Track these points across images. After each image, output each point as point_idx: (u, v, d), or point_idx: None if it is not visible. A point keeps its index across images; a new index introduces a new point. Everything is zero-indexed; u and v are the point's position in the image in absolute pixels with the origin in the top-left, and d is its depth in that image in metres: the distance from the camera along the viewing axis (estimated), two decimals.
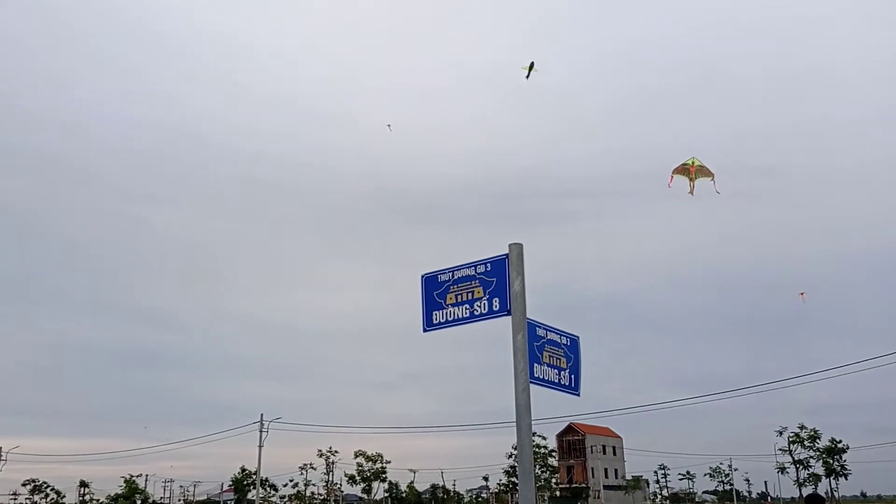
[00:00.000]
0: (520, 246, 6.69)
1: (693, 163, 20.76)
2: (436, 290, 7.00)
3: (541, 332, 6.90)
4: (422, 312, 7.04)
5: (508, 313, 6.61)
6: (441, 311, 6.95)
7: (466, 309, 6.82)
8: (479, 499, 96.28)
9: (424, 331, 7.01)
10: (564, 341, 7.11)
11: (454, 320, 6.88)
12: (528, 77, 25.16)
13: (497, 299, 6.67)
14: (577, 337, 7.23)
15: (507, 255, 6.70)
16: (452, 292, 6.91)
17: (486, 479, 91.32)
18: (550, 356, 6.92)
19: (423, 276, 7.10)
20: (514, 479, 75.90)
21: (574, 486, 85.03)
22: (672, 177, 20.95)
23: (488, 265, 6.78)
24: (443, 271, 7.01)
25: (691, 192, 20.84)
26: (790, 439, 66.18)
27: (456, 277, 6.92)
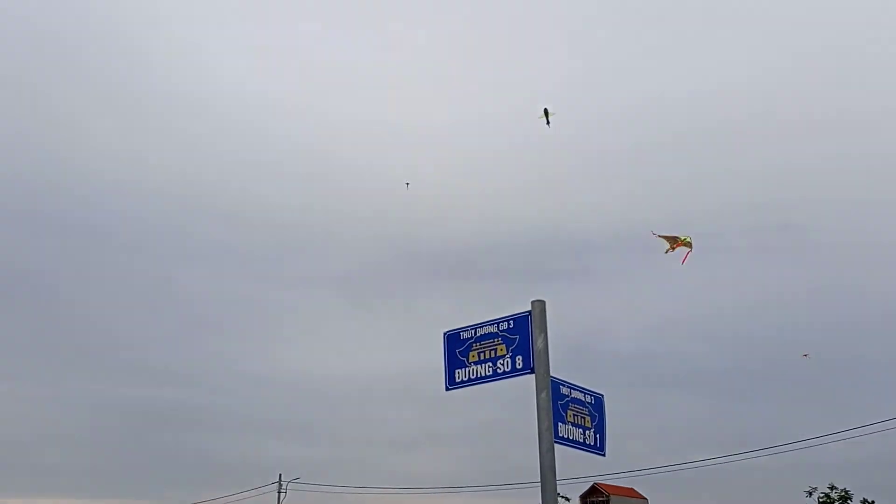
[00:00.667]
0: (542, 303, 6.65)
1: (685, 239, 21.02)
2: (458, 348, 6.95)
3: (565, 390, 6.81)
4: (444, 371, 6.98)
5: (532, 371, 6.53)
6: (464, 370, 6.88)
7: (489, 367, 6.76)
8: None
9: (447, 389, 6.94)
10: (589, 400, 7.01)
11: (477, 379, 6.81)
12: (548, 124, 25.35)
13: (520, 357, 6.61)
14: (602, 395, 7.13)
15: (529, 311, 6.66)
16: (475, 350, 6.86)
17: None
18: (575, 415, 6.82)
19: (445, 334, 7.05)
20: None
21: None
22: (655, 235, 21.07)
23: (511, 322, 6.74)
24: (465, 328, 6.97)
25: (666, 252, 21.02)
26: (820, 500, 64.36)
27: (478, 335, 6.88)
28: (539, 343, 6.55)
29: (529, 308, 6.67)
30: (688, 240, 20.96)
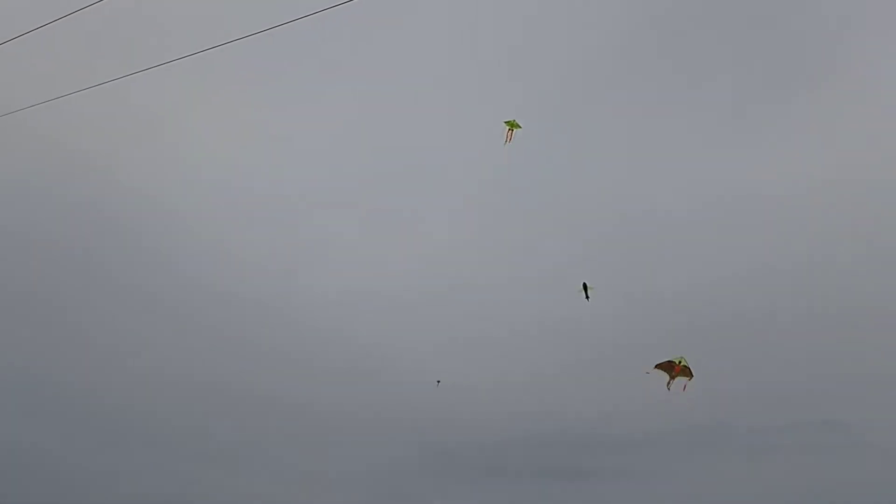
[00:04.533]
0: None
1: (680, 361, 20.38)
2: None
3: None
4: None
5: None
6: None
7: None
8: None
9: None
10: None
11: None
12: (588, 298, 24.25)
13: None
14: None
15: None
16: None
17: None
18: None
19: None
20: None
21: None
22: (652, 369, 20.37)
23: None
24: None
25: (667, 387, 20.26)
26: None
27: None
28: None
29: None
30: (684, 363, 20.29)
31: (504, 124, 24.71)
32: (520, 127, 24.52)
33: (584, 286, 24.77)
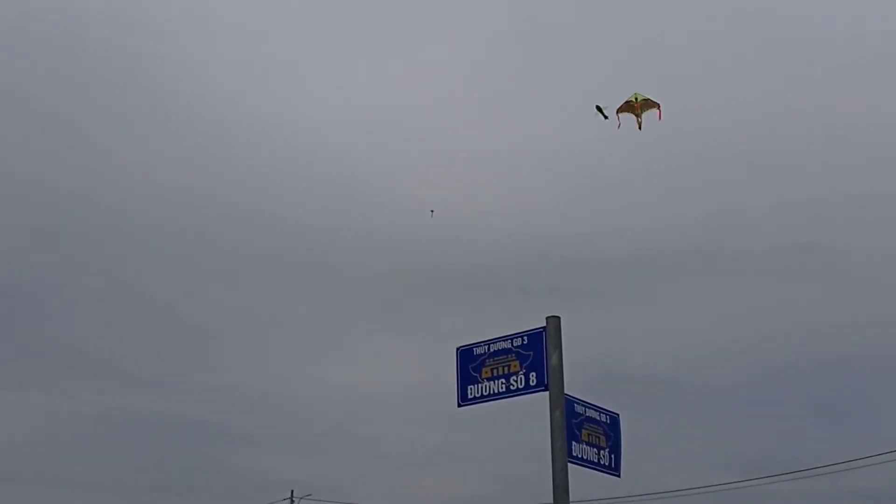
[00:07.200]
0: (557, 319, 6.52)
1: (637, 98, 19.77)
2: (471, 364, 6.84)
3: (580, 408, 6.66)
4: (456, 387, 6.87)
5: (545, 388, 6.39)
6: (476, 386, 6.76)
7: (502, 383, 6.63)
8: None
9: (459, 406, 6.83)
10: (604, 419, 6.86)
11: (489, 395, 6.69)
12: (606, 118, 23.41)
13: (534, 374, 6.47)
14: (618, 414, 6.99)
15: (544, 327, 6.52)
16: (488, 366, 6.74)
17: None
18: (590, 434, 6.67)
19: (458, 349, 6.95)
20: None
21: None
22: (618, 119, 19.90)
23: (525, 338, 6.61)
24: (478, 344, 6.86)
25: (639, 128, 19.76)
26: None
27: (492, 351, 6.76)
28: (553, 359, 6.40)
29: (544, 324, 6.53)
30: (641, 97, 19.69)
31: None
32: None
33: (599, 109, 23.62)
